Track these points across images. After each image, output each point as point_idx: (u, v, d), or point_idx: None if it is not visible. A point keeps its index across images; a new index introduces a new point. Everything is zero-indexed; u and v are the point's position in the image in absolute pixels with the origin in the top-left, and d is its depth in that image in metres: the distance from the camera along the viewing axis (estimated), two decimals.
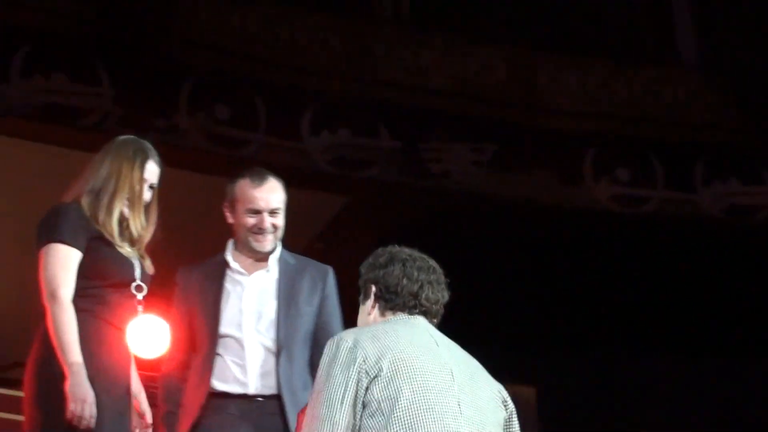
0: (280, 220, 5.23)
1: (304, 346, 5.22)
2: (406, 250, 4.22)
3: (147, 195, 4.87)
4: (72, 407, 4.38)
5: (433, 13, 12.26)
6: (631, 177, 12.37)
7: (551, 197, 12.13)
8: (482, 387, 4.02)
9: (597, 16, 12.49)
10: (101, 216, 4.73)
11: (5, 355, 10.62)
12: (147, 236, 4.90)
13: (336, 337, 3.93)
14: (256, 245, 5.20)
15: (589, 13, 12.46)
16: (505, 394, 4.14)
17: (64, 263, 4.61)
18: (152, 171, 4.89)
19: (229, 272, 5.25)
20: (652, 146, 12.36)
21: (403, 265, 4.11)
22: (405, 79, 11.76)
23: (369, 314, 4.15)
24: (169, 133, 10.80)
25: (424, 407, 3.76)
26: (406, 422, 3.72)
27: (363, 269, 4.24)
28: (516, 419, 4.18)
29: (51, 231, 4.66)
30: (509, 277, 12.16)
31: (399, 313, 4.08)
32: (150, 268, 4.95)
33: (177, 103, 11.00)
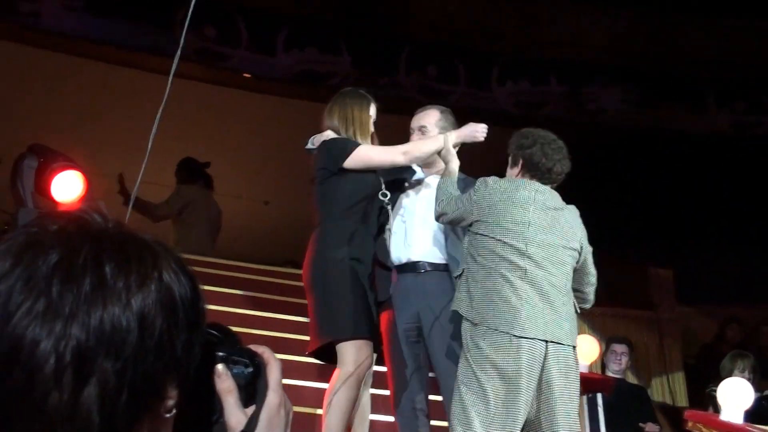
0: (427, 136, 4.99)
1: None
2: (542, 134, 4.45)
3: (371, 127, 4.91)
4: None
5: None
6: (745, 107, 11.82)
7: (683, 126, 11.76)
8: (556, 236, 4.22)
9: None
10: None
11: (279, 254, 10.76)
12: None
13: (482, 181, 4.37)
14: None
15: None
16: (579, 244, 4.35)
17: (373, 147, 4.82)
18: (373, 110, 4.93)
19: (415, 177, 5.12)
20: (761, 82, 11.71)
21: (542, 147, 4.34)
22: (568, 39, 11.37)
23: (515, 176, 4.42)
24: (391, 88, 10.74)
25: (501, 240, 4.14)
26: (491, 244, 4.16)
27: (513, 145, 4.47)
28: (587, 257, 4.41)
29: (347, 146, 4.71)
30: (652, 185, 11.76)
31: (534, 180, 4.33)
32: None
33: (398, 66, 10.99)
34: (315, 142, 4.89)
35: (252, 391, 1.19)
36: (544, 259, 4.17)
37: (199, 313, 1.10)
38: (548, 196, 4.34)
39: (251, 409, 1.18)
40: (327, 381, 5.68)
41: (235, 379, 1.18)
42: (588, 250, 4.42)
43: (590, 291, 4.50)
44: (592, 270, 4.46)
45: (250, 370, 1.20)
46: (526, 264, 4.12)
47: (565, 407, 4.08)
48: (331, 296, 4.50)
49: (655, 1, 11.39)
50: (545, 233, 4.22)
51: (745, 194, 11.41)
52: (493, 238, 4.18)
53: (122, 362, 0.98)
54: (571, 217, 4.38)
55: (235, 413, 1.17)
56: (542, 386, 4.03)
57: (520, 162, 4.39)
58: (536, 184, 4.33)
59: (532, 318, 4.02)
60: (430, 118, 4.99)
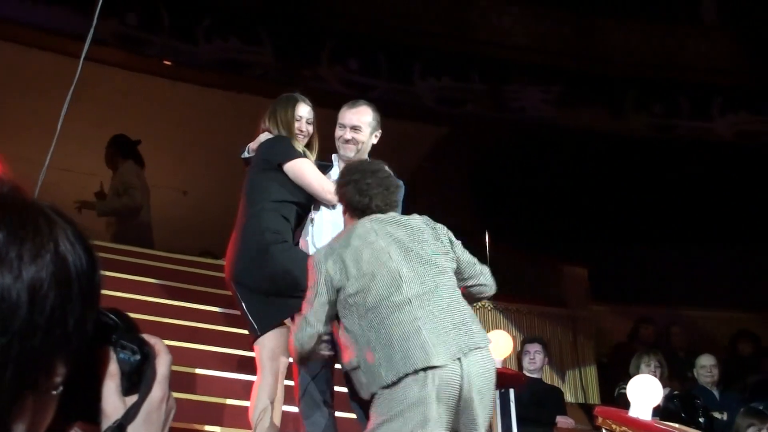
0: (360, 135, 4.91)
1: None
2: (361, 168, 4.18)
3: (305, 128, 4.94)
4: None
5: None
6: (663, 110, 12.00)
7: (601, 126, 11.86)
8: (424, 246, 3.94)
9: None
10: None
11: (196, 244, 10.67)
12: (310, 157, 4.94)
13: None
14: (341, 152, 4.97)
15: None
16: (444, 243, 4.04)
17: (315, 168, 4.80)
18: (303, 110, 4.94)
19: (331, 173, 5.00)
20: (678, 86, 11.93)
21: (356, 183, 4.08)
22: (492, 38, 11.45)
23: (349, 219, 4.17)
24: (313, 81, 10.69)
25: (372, 288, 3.79)
26: (364, 297, 3.80)
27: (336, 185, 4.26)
28: (461, 251, 4.08)
29: (291, 151, 4.75)
30: (569, 185, 11.90)
31: (360, 219, 4.05)
32: None
33: (319, 58, 10.94)
34: (251, 149, 4.91)
35: (136, 381, 1.11)
36: (420, 279, 3.85)
37: (95, 287, 1.04)
38: (385, 222, 4.04)
39: (132, 399, 1.11)
40: (240, 371, 5.65)
41: (120, 364, 1.11)
42: (457, 243, 4.10)
43: (486, 279, 4.17)
44: (472, 259, 4.15)
45: (137, 357, 1.12)
46: (404, 294, 3.79)
47: (484, 423, 3.80)
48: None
49: (578, 2, 11.55)
50: (406, 257, 3.90)
51: (661, 195, 11.64)
52: (361, 293, 3.84)
53: (9, 337, 0.92)
54: (422, 224, 4.07)
55: (112, 399, 1.09)
56: (461, 405, 3.69)
57: (344, 203, 4.18)
58: (366, 222, 4.03)
59: (441, 342, 3.68)
60: (364, 117, 4.94)
